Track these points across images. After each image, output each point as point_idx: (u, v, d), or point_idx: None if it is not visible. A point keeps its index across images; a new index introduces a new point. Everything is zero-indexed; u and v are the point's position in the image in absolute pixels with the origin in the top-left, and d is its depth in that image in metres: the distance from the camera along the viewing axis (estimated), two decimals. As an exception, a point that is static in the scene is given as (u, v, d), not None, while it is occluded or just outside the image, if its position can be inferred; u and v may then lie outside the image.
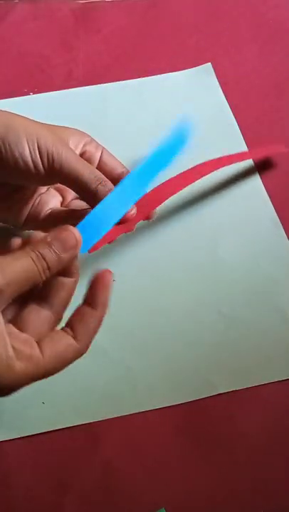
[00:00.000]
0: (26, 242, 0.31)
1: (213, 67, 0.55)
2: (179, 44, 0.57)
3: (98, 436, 0.40)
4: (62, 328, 0.31)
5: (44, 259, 0.29)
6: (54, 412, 0.40)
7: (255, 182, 0.49)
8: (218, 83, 0.54)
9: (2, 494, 0.38)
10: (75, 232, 0.31)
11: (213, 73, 0.55)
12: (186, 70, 0.55)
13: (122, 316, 0.44)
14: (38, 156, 0.35)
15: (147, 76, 0.55)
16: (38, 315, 0.30)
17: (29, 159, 0.35)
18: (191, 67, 0.55)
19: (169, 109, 0.53)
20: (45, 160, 0.35)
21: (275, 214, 0.48)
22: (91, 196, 0.36)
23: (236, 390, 0.41)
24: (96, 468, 0.39)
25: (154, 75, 0.55)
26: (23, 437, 0.40)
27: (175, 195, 0.48)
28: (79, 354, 0.31)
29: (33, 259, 0.29)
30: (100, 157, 0.40)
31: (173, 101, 0.53)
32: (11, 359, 0.28)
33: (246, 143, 0.51)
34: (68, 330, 0.31)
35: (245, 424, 0.41)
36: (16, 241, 0.31)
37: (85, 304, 0.31)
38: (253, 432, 0.40)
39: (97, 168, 0.39)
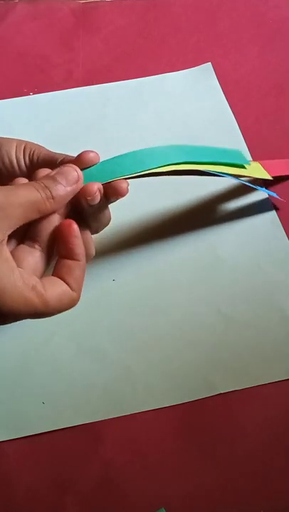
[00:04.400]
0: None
1: (213, 67, 0.55)
2: (179, 44, 0.57)
3: (98, 436, 0.40)
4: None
5: (47, 188, 0.32)
6: (54, 412, 0.40)
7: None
8: (218, 83, 0.54)
9: (2, 494, 0.38)
10: (75, 168, 0.33)
11: (213, 73, 0.55)
12: (186, 70, 0.55)
13: (122, 316, 0.44)
14: (22, 154, 0.38)
15: (147, 76, 0.55)
16: (31, 254, 0.32)
17: (13, 157, 0.37)
18: (191, 67, 0.55)
19: (169, 109, 0.53)
20: (27, 156, 0.38)
21: (275, 214, 0.48)
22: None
23: (236, 390, 0.41)
24: (96, 468, 0.39)
25: (154, 75, 0.55)
26: (23, 437, 0.40)
27: (174, 196, 0.48)
28: (74, 302, 0.32)
29: (35, 188, 0.31)
30: None
31: (173, 101, 0.53)
32: (22, 287, 0.29)
33: (246, 143, 0.51)
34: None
35: (246, 424, 0.41)
36: (21, 179, 0.34)
37: (64, 257, 0.32)
38: (253, 431, 0.40)
39: None
